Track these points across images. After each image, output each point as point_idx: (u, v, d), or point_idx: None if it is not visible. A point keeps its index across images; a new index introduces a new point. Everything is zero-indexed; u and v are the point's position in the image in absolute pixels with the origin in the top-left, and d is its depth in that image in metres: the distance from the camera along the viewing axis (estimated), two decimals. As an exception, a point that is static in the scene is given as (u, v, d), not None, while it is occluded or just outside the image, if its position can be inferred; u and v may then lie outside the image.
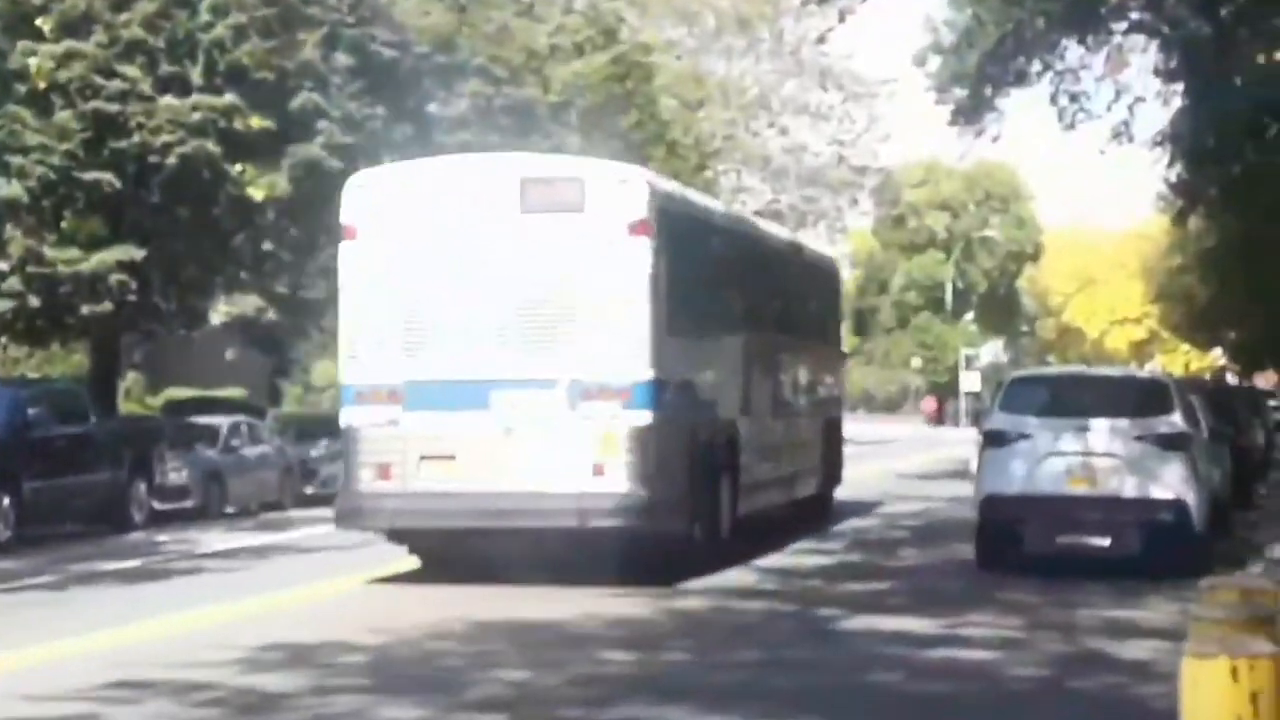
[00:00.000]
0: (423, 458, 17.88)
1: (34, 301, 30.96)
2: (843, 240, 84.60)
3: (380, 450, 18.00)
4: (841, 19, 30.86)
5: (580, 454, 17.44)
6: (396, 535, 19.20)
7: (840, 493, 28.79)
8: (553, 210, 18.03)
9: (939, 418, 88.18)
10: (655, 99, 47.14)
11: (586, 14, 42.81)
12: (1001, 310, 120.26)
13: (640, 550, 18.16)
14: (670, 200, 19.71)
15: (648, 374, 17.70)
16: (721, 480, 20.11)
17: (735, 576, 18.82)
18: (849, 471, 30.03)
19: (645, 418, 17.60)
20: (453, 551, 18.98)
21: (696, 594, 17.24)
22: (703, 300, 20.07)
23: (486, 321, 17.85)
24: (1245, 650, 5.54)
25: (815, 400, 27.37)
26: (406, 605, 16.28)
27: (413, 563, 19.54)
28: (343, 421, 18.43)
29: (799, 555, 21.26)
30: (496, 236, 17.97)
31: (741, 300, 22.70)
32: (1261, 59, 26.57)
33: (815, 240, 71.20)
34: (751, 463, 21.58)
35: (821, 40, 62.90)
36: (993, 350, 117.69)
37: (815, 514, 26.14)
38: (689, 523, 18.75)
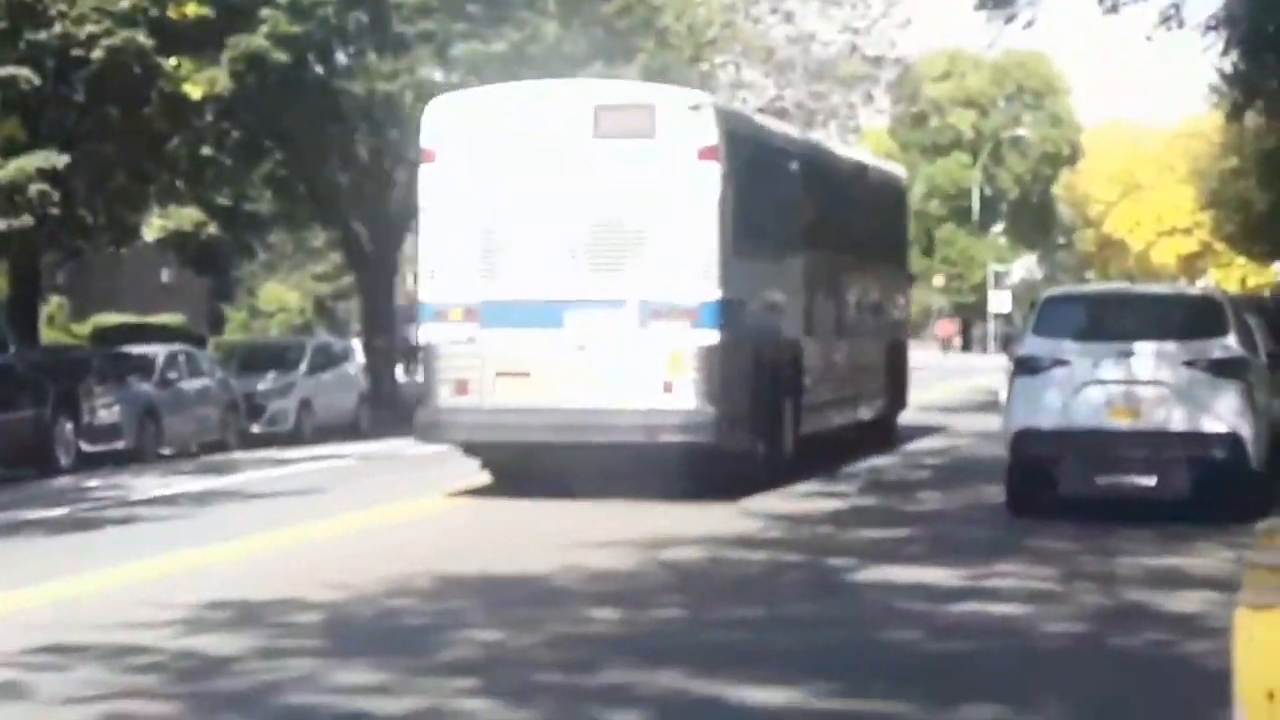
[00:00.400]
0: (498, 374, 20.94)
1: (-60, 216, 30.91)
2: (856, 141, 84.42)
3: (458, 367, 21.11)
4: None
5: (650, 371, 20.44)
6: (472, 449, 22.40)
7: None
8: (624, 136, 21.02)
9: (959, 343, 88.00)
10: (643, -19, 46.87)
11: (565, -115, 42.53)
12: (1035, 221, 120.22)
13: (706, 466, 20.98)
14: (738, 125, 23.00)
15: (715, 294, 20.57)
16: (785, 400, 23.11)
17: (801, 489, 22.17)
18: None
19: (712, 337, 20.52)
20: (523, 467, 22.08)
21: (751, 514, 17.29)
22: (769, 223, 22.96)
23: (560, 243, 20.86)
24: (1306, 600, 5.57)
25: (880, 322, 30.16)
26: (367, 556, 16.33)
27: (372, 508, 19.66)
28: (422, 339, 21.87)
29: (807, 500, 21.31)
30: (570, 161, 20.98)
31: (807, 222, 25.26)
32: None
33: (826, 140, 71.16)
34: (815, 383, 24.68)
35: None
36: (1025, 266, 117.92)
37: (878, 437, 28.71)
38: (753, 440, 21.77)
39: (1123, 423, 18.70)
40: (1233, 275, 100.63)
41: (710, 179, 20.70)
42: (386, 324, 44.97)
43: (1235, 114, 37.53)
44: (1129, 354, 18.84)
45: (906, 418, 32.93)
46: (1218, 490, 18.38)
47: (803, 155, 26.16)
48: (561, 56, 38.77)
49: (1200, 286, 70.87)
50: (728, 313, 20.69)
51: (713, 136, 20.85)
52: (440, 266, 21.45)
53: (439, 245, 21.52)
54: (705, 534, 17.75)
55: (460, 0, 37.22)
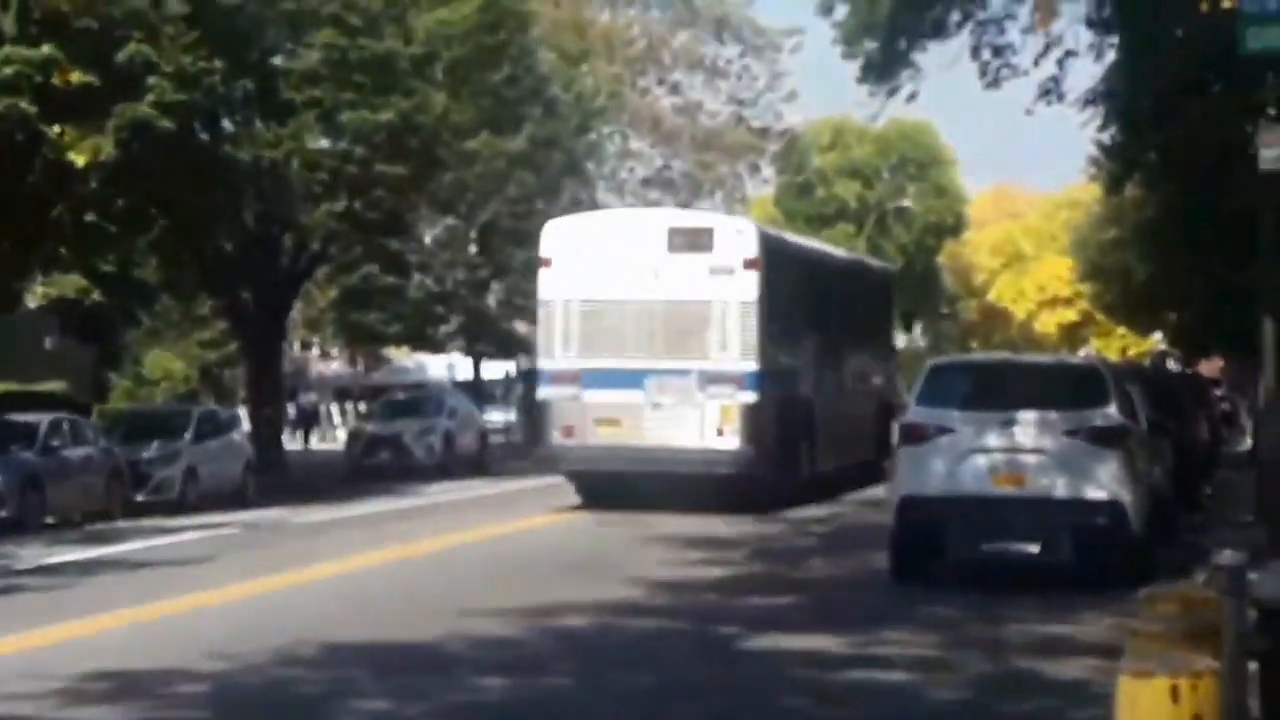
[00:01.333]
0: (596, 421, 29.05)
1: None
2: (742, 211, 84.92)
3: (567, 416, 29.37)
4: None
5: (707, 422, 28.42)
6: (574, 476, 30.66)
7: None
8: (690, 250, 29.08)
9: None
10: (531, 51, 47.12)
11: (453, -44, 42.69)
12: (919, 290, 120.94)
13: (746, 489, 28.34)
14: (772, 241, 31.64)
15: (754, 367, 28.58)
16: (802, 443, 30.75)
17: (815, 511, 29.22)
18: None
19: (752, 397, 28.40)
20: (609, 490, 29.47)
21: (636, 583, 17.30)
22: (792, 312, 30.82)
23: (642, 328, 28.99)
24: (1187, 668, 5.65)
25: (871, 386, 37.78)
26: (255, 626, 16.20)
27: (261, 571, 19.55)
28: (540, 396, 30.32)
29: (696, 567, 21.34)
30: (649, 268, 29.02)
31: (818, 310, 33.02)
32: (1204, 7, 26.85)
33: (712, 211, 71.49)
34: (824, 431, 31.88)
35: (718, -14, 63.44)
36: (910, 335, 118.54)
37: (870, 475, 33.04)
38: (780, 472, 29.29)
39: (1007, 490, 18.81)
40: (1113, 344, 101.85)
41: (752, 283, 28.77)
42: (274, 391, 44.75)
43: (1114, 186, 38.01)
44: (1012, 422, 18.95)
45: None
46: (1101, 557, 18.53)
47: (816, 259, 36.54)
48: (449, 126, 38.87)
49: (1082, 356, 71.62)
50: (763, 380, 28.61)
51: (754, 251, 29.09)
52: (555, 344, 29.75)
53: (554, 328, 29.77)
54: (593, 602, 17.72)
55: (347, 68, 37.19)
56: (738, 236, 29.59)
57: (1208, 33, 25.09)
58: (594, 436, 29.01)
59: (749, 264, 28.84)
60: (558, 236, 30.39)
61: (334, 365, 76.56)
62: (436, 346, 59.29)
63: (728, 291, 28.70)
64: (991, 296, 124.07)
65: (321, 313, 56.10)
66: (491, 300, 57.90)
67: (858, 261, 42.54)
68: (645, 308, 28.91)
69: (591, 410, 28.99)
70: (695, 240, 29.28)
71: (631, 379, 28.68)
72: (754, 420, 28.33)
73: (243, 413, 44.09)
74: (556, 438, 29.47)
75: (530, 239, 55.56)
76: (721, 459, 28.16)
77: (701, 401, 28.48)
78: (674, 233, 29.57)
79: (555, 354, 29.77)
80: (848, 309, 35.78)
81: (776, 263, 29.91)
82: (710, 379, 28.44)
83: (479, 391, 58.83)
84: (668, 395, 28.62)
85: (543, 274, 30.26)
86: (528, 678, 13.59)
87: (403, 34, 38.29)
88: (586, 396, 29.00)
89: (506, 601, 17.51)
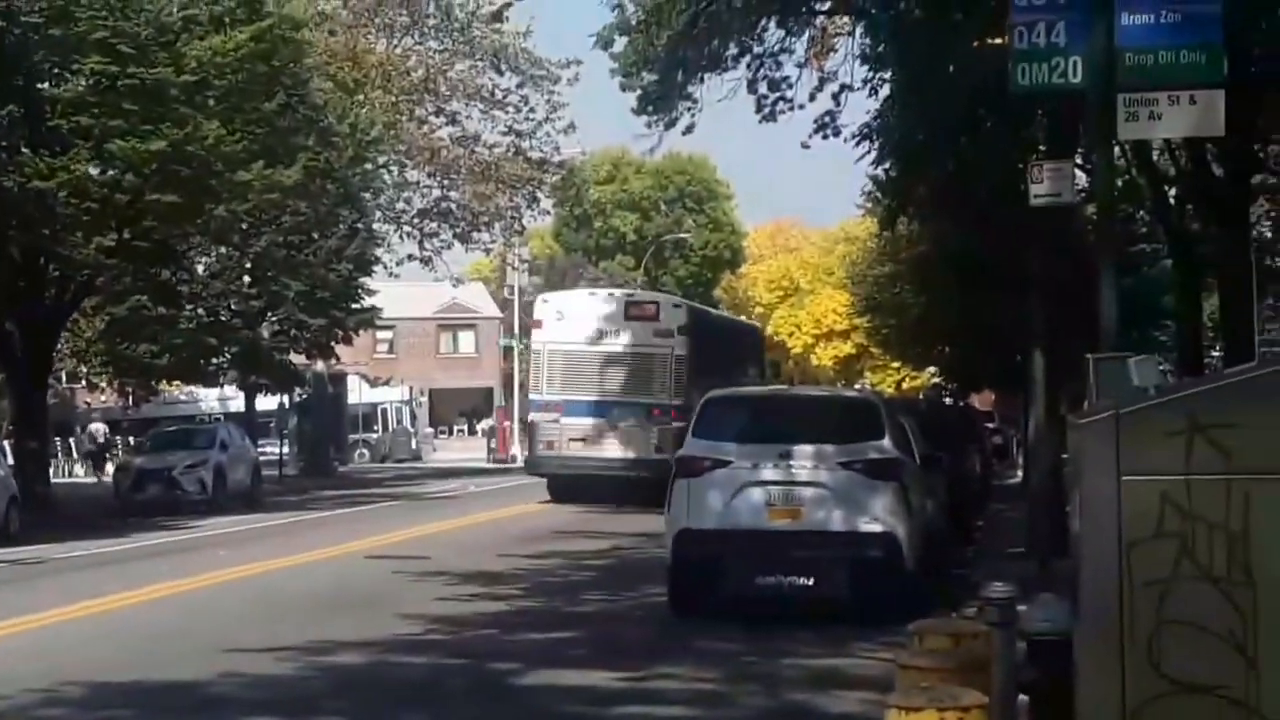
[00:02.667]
0: (570, 439, 40.31)
1: None
2: (520, 244, 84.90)
3: (549, 435, 40.85)
4: (518, -6, 31.04)
5: (649, 441, 38.49)
6: (552, 478, 41.69)
7: (520, 529, 29.08)
8: (641, 319, 40.85)
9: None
10: (306, 80, 46.72)
11: (226, -18, 42.20)
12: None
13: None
14: (696, 313, 45.37)
15: (681, 402, 37.65)
16: None
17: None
18: (528, 508, 37.27)
19: (680, 424, 32.53)
20: (573, 491, 40.11)
21: (411, 618, 17.13)
22: (705, 362, 40.91)
23: (607, 373, 40.41)
24: (955, 701, 5.72)
25: None
26: (15, 667, 15.83)
27: (22, 609, 19.16)
28: (530, 419, 43.43)
29: (470, 602, 21.25)
30: (612, 330, 40.67)
31: (721, 359, 43.37)
32: (977, 44, 27.29)
33: (490, 243, 71.36)
34: None
35: (496, 17, 63.35)
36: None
37: None
38: None
39: (782, 523, 18.93)
40: (889, 378, 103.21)
41: (683, 343, 40.46)
42: (39, 424, 43.86)
43: (888, 221, 38.43)
44: (788, 455, 19.10)
45: (566, 519, 32.95)
46: (875, 590, 18.70)
47: (720, 324, 53.50)
48: (222, 155, 38.41)
49: (857, 389, 72.46)
50: (685, 410, 32.82)
51: (685, 320, 41.37)
52: (542, 382, 41.27)
53: (541, 371, 41.45)
54: (368, 638, 17.59)
55: (118, 96, 36.62)
56: (675, 310, 42.19)
57: (980, 69, 25.54)
58: (568, 449, 40.34)
59: (681, 330, 40.66)
60: (546, 306, 42.62)
61: (102, 398, 75.27)
62: (209, 379, 58.46)
63: (666, 349, 40.31)
64: (769, 330, 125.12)
65: (89, 344, 55.05)
66: (265, 332, 57.26)
67: (742, 323, 64.41)
68: (609, 358, 40.49)
69: (568, 430, 40.35)
70: (644, 312, 41.27)
71: (598, 409, 40.14)
72: (680, 440, 32.02)
73: (6, 447, 43.13)
74: (541, 450, 41.07)
75: (305, 269, 55.44)
76: (661, 468, 30.43)
77: (647, 426, 39.38)
78: (630, 305, 41.76)
79: (543, 390, 41.31)
80: (737, 357, 48.58)
81: (697, 329, 42.01)
82: (652, 410, 39.48)
83: (252, 424, 58.13)
84: (624, 421, 39.63)
85: (535, 332, 42.79)
86: (299, 717, 13.43)
87: (174, 61, 37.75)
88: (564, 421, 40.36)
89: (278, 639, 17.31)
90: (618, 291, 47.99)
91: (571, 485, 40.36)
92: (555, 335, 40.96)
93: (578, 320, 40.83)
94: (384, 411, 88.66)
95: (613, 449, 39.56)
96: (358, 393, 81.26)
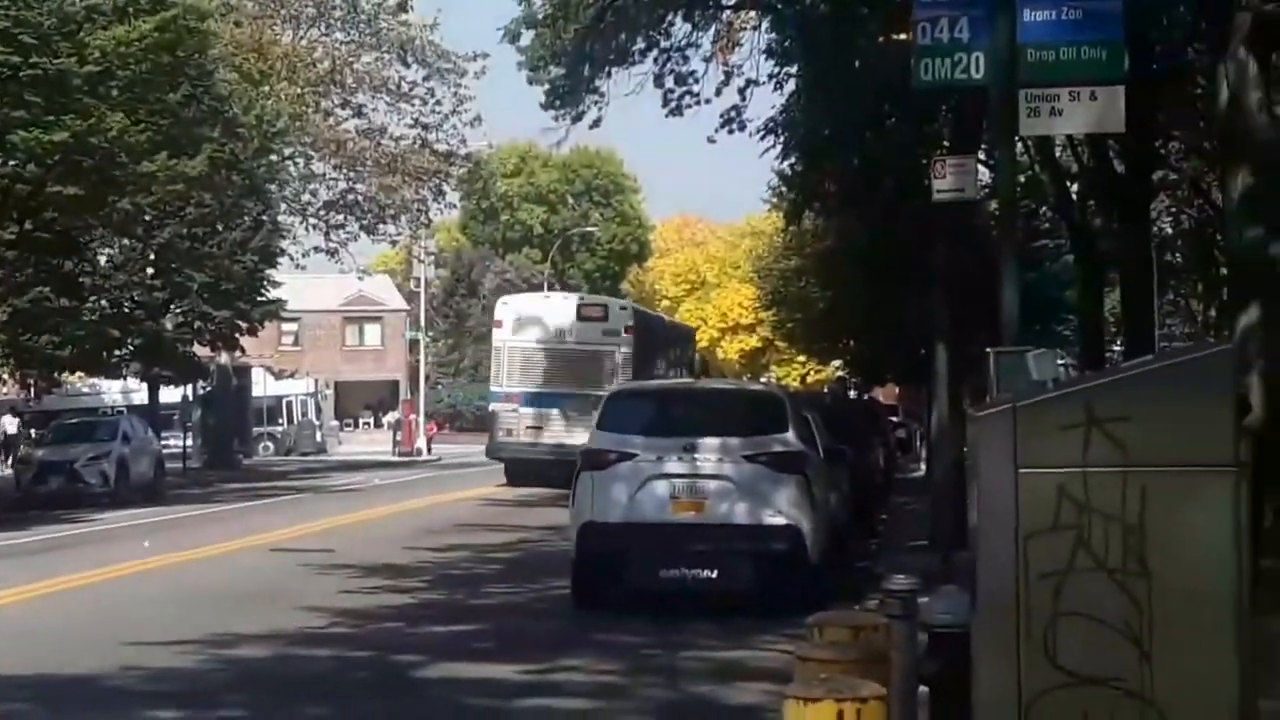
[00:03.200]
0: (527, 427, 44.12)
1: None
2: (427, 237, 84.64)
3: (508, 423, 44.69)
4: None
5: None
6: (510, 462, 45.41)
7: (425, 522, 28.99)
8: (591, 320, 44.92)
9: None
10: (211, 71, 46.39)
11: (130, -28, 41.86)
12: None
13: None
14: (640, 314, 50.46)
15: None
16: None
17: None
18: (434, 500, 31.77)
19: None
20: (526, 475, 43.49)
21: (316, 611, 17.04)
22: (647, 359, 45.81)
23: (561, 368, 44.09)
24: (854, 693, 5.73)
25: None
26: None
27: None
28: (491, 408, 46.28)
29: (375, 595, 21.19)
30: (565, 329, 44.75)
31: (660, 356, 49.21)
32: (882, 40, 27.43)
33: (397, 235, 71.10)
34: None
35: (401, 8, 63.12)
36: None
37: None
38: None
39: (686, 516, 18.93)
40: (794, 372, 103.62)
41: (629, 342, 44.65)
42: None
43: (794, 215, 38.58)
44: (692, 449, 19.11)
45: (472, 512, 32.88)
46: (779, 583, 18.77)
47: (660, 324, 57.99)
48: (125, 146, 38.11)
49: (762, 382, 72.67)
50: None
51: (630, 320, 45.98)
52: (502, 375, 45.13)
53: (501, 366, 45.35)
54: (271, 631, 17.51)
55: (19, 86, 36.26)
56: (622, 312, 46.83)
57: (885, 65, 25.66)
58: (526, 436, 44.15)
59: (628, 330, 44.91)
60: (506, 307, 46.98)
61: (4, 390, 74.56)
62: (112, 371, 57.97)
63: (613, 346, 44.32)
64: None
65: (-10, 335, 54.53)
66: (169, 323, 56.84)
67: (680, 324, 74.56)
68: (563, 355, 44.28)
69: (524, 419, 44.23)
70: (595, 313, 45.55)
71: (552, 400, 43.95)
72: None
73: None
74: (501, 436, 45.05)
75: (209, 261, 55.06)
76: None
77: (592, 414, 40.18)
78: (582, 307, 46.11)
79: (503, 383, 45.21)
80: (675, 354, 53.27)
81: (641, 328, 46.34)
82: (597, 400, 42.27)
83: (156, 416, 57.73)
84: (574, 412, 41.40)
85: (495, 330, 46.58)
86: (201, 710, 13.36)
87: (77, 52, 37.40)
88: (522, 410, 44.26)
89: (181, 632, 17.21)
90: (571, 295, 55.27)
91: (527, 469, 44.07)
92: (513, 334, 45.30)
93: (533, 320, 45.32)
94: (289, 404, 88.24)
95: (564, 436, 41.95)
96: (263, 385, 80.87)
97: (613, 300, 54.64)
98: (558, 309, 46.08)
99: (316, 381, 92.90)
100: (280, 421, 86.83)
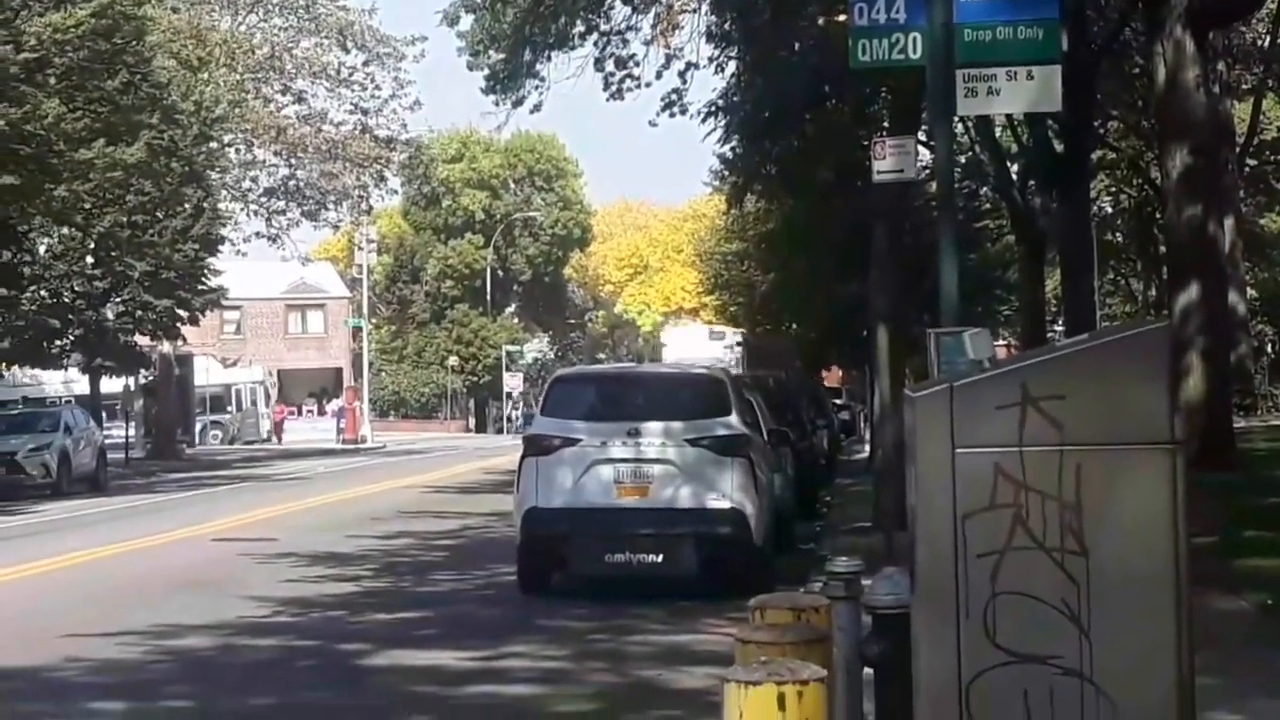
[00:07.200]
0: None
1: None
2: (369, 223, 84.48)
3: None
4: (362, -28, 30.83)
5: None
6: None
7: (369, 510, 28.96)
8: None
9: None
10: (149, 58, 46.21)
11: (66, -41, 41.65)
12: (548, 302, 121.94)
13: None
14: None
15: None
16: None
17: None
18: (378, 488, 31.71)
19: None
20: None
21: (260, 600, 16.99)
22: None
23: None
24: (794, 675, 5.74)
25: None
26: None
27: None
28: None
29: (319, 583, 21.16)
30: None
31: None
32: (821, 21, 27.50)
33: (339, 220, 70.86)
34: None
35: (341, -7, 62.97)
36: (538, 347, 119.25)
37: None
38: None
39: (630, 500, 18.94)
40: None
41: None
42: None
43: (736, 199, 38.67)
44: (636, 433, 19.12)
45: (416, 499, 32.81)
46: (723, 566, 18.81)
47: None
48: (63, 134, 37.91)
49: (705, 366, 72.72)
50: None
51: None
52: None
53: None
54: (214, 621, 17.46)
55: (-46, 74, 36.05)
56: None
57: (824, 47, 25.73)
58: None
59: None
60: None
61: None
62: (52, 361, 57.71)
63: None
64: (619, 308, 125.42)
65: (-72, 327, 54.23)
66: (110, 313, 56.61)
67: None
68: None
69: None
70: None
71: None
72: None
73: None
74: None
75: (150, 249, 54.79)
76: None
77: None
78: None
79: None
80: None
81: None
82: None
83: (97, 407, 57.49)
84: None
85: None
86: (144, 701, 13.31)
87: (13, 39, 37.19)
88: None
89: (123, 623, 17.15)
90: None
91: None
92: None
93: None
94: (239, 392, 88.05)
95: None
96: (206, 374, 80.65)
97: None
98: None
99: (266, 370, 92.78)
100: (229, 410, 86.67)
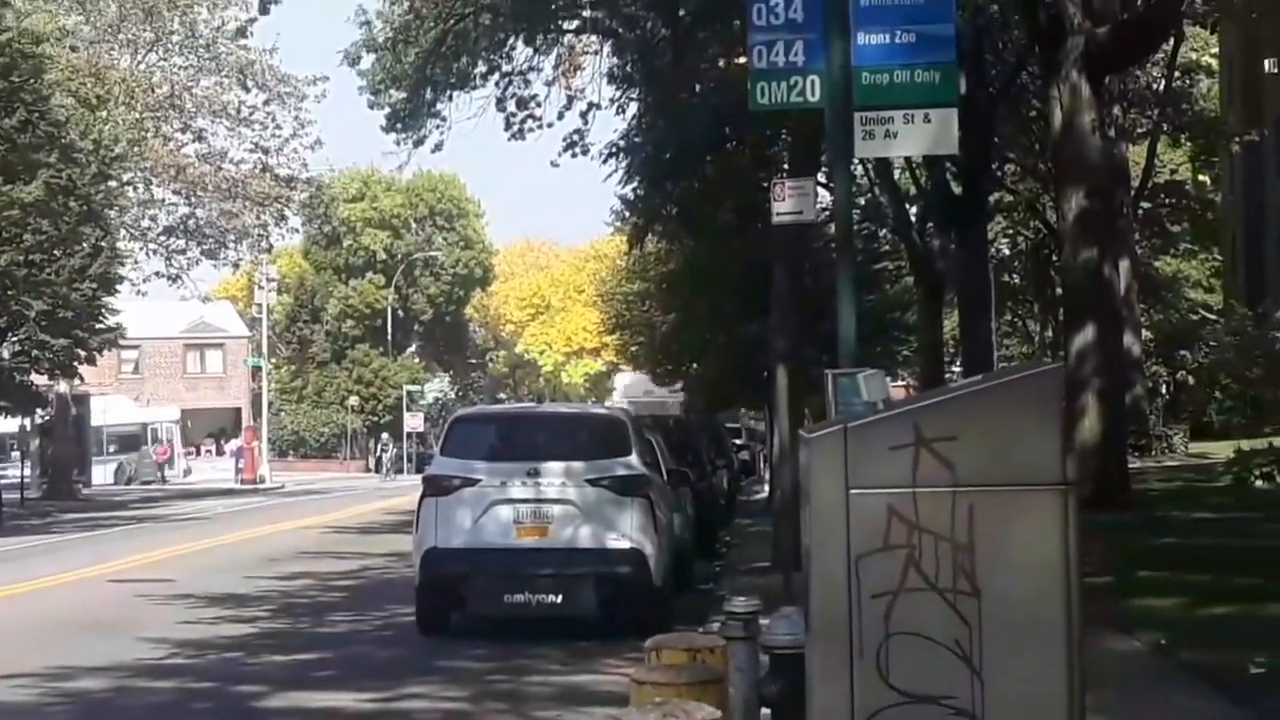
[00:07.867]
0: None
1: None
2: (269, 262, 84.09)
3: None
4: (264, 10, 30.76)
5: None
6: None
7: (268, 550, 28.77)
8: None
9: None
10: (47, 96, 45.89)
11: (-38, -4, 41.35)
12: (449, 341, 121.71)
13: None
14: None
15: None
16: None
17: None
18: (276, 528, 31.48)
19: None
20: None
21: (156, 641, 16.82)
22: None
23: None
24: (688, 716, 5.76)
25: None
26: None
27: None
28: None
29: (216, 625, 20.99)
30: None
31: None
32: (722, 64, 27.65)
33: (239, 259, 70.51)
34: None
35: (240, 33, 62.69)
36: (439, 387, 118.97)
37: None
38: None
39: (529, 540, 18.91)
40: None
41: None
42: None
43: (637, 238, 38.77)
44: (536, 473, 19.09)
45: (316, 540, 32.62)
46: (622, 606, 18.80)
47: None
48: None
49: (606, 406, 72.75)
50: None
51: None
52: None
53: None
54: (109, 663, 17.29)
55: None
56: None
57: (725, 89, 25.86)
58: None
59: None
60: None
61: None
62: (-54, 401, 57.06)
63: None
64: (520, 347, 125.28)
65: None
66: (5, 352, 56.01)
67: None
68: None
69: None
70: None
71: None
72: None
73: None
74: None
75: (47, 288, 54.27)
76: None
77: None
78: None
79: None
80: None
81: None
82: None
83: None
84: None
85: None
86: (36, 745, 13.16)
87: (-92, 76, 36.90)
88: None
89: (16, 665, 16.95)
90: None
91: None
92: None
93: None
94: (154, 431, 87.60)
95: None
96: (116, 414, 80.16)
97: None
98: None
99: (180, 410, 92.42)
100: (145, 449, 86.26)
